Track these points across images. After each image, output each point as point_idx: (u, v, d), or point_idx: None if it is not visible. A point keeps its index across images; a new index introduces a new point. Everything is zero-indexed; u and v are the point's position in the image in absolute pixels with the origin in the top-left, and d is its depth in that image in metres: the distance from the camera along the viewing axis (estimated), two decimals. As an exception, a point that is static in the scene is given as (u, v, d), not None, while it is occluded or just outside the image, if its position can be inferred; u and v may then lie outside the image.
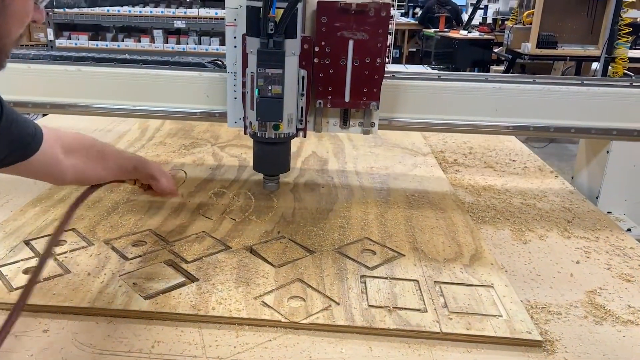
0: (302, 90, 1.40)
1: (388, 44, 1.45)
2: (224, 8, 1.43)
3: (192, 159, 2.02)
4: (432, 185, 1.85)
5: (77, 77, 1.63)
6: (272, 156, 1.47)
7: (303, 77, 1.39)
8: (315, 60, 1.40)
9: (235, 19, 1.41)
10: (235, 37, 1.42)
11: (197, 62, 2.01)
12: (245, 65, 1.37)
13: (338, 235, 1.45)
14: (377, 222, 1.54)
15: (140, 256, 1.31)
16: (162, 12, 6.05)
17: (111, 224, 1.47)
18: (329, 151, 2.16)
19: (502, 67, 7.23)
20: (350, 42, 1.39)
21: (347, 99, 1.44)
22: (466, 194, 1.81)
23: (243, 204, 1.63)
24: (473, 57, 6.74)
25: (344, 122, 1.51)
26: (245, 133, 1.46)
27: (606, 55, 5.75)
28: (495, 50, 6.88)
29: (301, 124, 1.45)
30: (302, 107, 1.42)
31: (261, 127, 1.39)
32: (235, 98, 1.49)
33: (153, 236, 1.42)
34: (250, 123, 1.41)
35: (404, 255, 1.36)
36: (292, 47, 1.33)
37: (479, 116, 1.55)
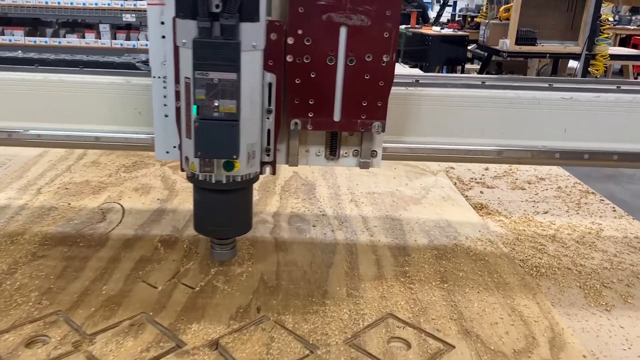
0: (269, 104, 0.91)
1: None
2: None
3: (133, 185, 1.50)
4: (456, 216, 1.39)
5: None
6: (222, 211, 0.96)
7: (270, 85, 0.89)
8: (289, 59, 0.90)
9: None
10: (163, 23, 0.90)
11: (124, 62, 1.44)
12: (177, 66, 0.86)
13: (348, 313, 0.97)
14: (399, 283, 1.07)
15: (34, 370, 0.80)
16: (109, 4, 5.42)
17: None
18: (314, 171, 1.67)
19: (476, 66, 6.93)
20: (343, 31, 0.89)
21: (337, 117, 0.94)
22: (501, 229, 1.37)
23: (204, 259, 1.13)
24: (447, 55, 6.39)
25: (332, 152, 1.01)
26: (182, 169, 0.95)
27: (586, 52, 5.51)
28: (470, 47, 6.56)
29: (268, 155, 0.96)
30: (268, 131, 0.93)
31: (204, 165, 0.89)
32: (166, 116, 0.95)
33: (63, 324, 0.91)
34: (187, 158, 0.91)
35: (454, 347, 0.90)
36: (252, 37, 0.82)
37: (538, 140, 1.07)
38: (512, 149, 1.09)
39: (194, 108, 0.82)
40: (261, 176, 0.97)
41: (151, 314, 0.94)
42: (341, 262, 1.14)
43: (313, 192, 1.51)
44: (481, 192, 1.62)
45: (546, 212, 1.50)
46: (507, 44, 5.38)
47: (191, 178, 0.92)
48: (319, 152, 1.01)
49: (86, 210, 1.33)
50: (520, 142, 1.09)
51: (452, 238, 1.28)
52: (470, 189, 1.64)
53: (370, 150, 1.01)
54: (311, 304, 0.99)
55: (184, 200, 1.42)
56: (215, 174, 0.89)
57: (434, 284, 1.08)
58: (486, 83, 1.11)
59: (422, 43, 6.51)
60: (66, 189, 1.45)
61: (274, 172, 0.98)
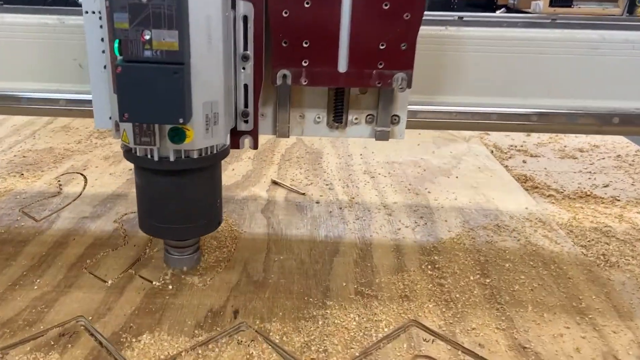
0: (245, 48, 0.65)
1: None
2: None
3: (103, 153, 1.26)
4: (496, 191, 1.12)
5: None
6: (173, 202, 0.69)
7: (245, 19, 0.63)
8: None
9: None
10: None
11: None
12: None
13: (357, 320, 0.72)
14: (426, 278, 0.81)
15: None
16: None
17: None
18: (322, 137, 1.40)
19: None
20: None
21: (342, 66, 0.67)
22: (553, 206, 1.09)
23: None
24: (474, 20, 5.98)
25: (337, 117, 0.73)
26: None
27: (627, 14, 5.09)
28: (498, 12, 6.15)
29: (246, 122, 0.69)
30: (245, 87, 0.67)
31: (141, 135, 0.62)
32: (104, 67, 0.65)
33: (-30, 333, 0.67)
34: (117, 125, 0.65)
35: (505, 373, 0.64)
36: None
37: (632, 100, 0.78)
38: (593, 113, 0.79)
39: (115, 44, 0.56)
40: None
41: (91, 318, 0.70)
42: (350, 249, 0.89)
43: (319, 162, 1.25)
44: (524, 162, 1.34)
45: (606, 186, 1.21)
46: (540, 5, 4.96)
47: (127, 154, 0.66)
48: (319, 117, 0.74)
49: (40, 182, 1.10)
50: (605, 104, 0.79)
51: (492, 218, 1.01)
52: (510, 157, 1.36)
53: (391, 116, 0.73)
54: (307, 307, 0.74)
55: (162, 170, 1.17)
56: (158, 147, 0.62)
57: (472, 278, 0.81)
58: (558, 21, 0.81)
59: (445, 6, 6.11)
60: (23, 157, 1.22)
61: (255, 146, 0.71)
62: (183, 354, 0.64)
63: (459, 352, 0.67)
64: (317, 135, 0.74)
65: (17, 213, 0.96)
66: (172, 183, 0.66)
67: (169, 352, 0.65)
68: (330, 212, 1.01)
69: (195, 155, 0.64)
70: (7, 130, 1.38)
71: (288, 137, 0.73)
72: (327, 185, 1.12)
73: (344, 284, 0.79)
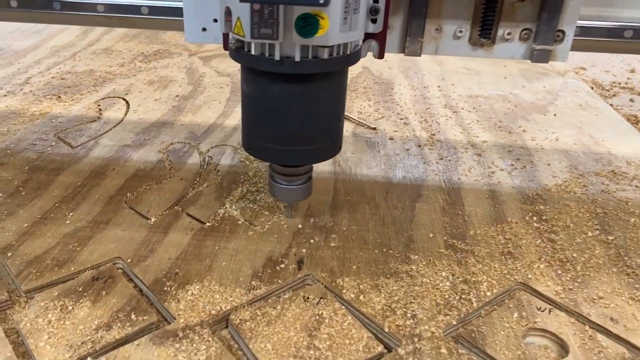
0: None
1: None
2: None
3: (148, 77, 1.13)
4: (605, 132, 0.93)
5: None
6: (295, 115, 0.52)
7: None
8: None
9: None
10: None
11: None
12: None
13: (451, 279, 0.57)
14: (532, 231, 0.66)
15: None
16: None
17: None
18: (392, 66, 1.23)
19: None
20: None
21: None
22: (678, 154, 0.90)
23: (226, 179, 0.76)
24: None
25: (485, 31, 0.55)
26: (224, 47, 0.54)
27: None
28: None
29: (374, 22, 0.51)
30: None
31: (261, 26, 0.45)
32: None
33: (-8, 271, 0.57)
34: (229, 12, 0.47)
35: (655, 360, 0.49)
36: None
37: None
38: None
39: None
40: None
41: (130, 261, 0.59)
42: (434, 193, 0.74)
43: (390, 93, 1.09)
44: (631, 101, 1.13)
45: None
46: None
47: (237, 52, 0.51)
48: (461, 31, 0.56)
49: (79, 106, 0.98)
50: None
51: (605, 163, 0.83)
52: (613, 95, 1.16)
53: (555, 31, 0.55)
54: (387, 260, 0.60)
55: (211, 98, 1.03)
56: (281, 42, 0.47)
57: (589, 234, 0.65)
58: None
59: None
60: (62, 79, 1.10)
61: (381, 54, 0.55)
62: (238, 309, 0.52)
63: (586, 327, 0.52)
64: (455, 54, 0.57)
65: (52, 138, 0.86)
66: (293, 91, 0.51)
67: (221, 307, 0.53)
68: (408, 149, 0.85)
69: (325, 55, 0.48)
70: (46, 51, 1.27)
71: (419, 55, 0.56)
72: (401, 119, 0.96)
73: (431, 235, 0.64)
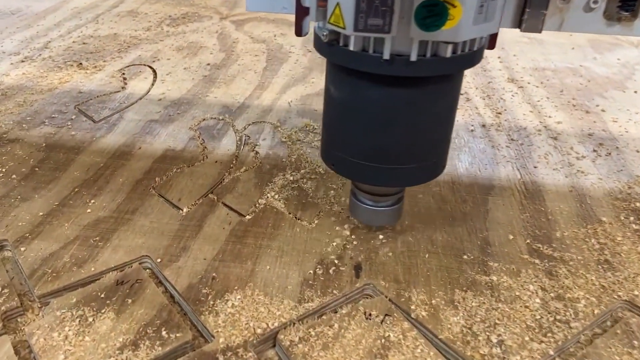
0: None
1: None
2: None
3: (176, 43, 1.04)
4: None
5: None
6: (395, 128, 0.42)
7: None
8: None
9: None
10: None
11: None
12: None
13: (539, 294, 0.48)
14: (631, 234, 0.55)
15: None
16: None
17: None
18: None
19: None
20: None
21: None
22: None
23: (266, 162, 0.66)
24: None
25: (626, 2, 0.42)
26: (297, 33, 0.42)
27: None
28: None
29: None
30: None
31: (367, 13, 0.34)
32: None
33: None
34: (322, 11, 0.37)
35: None
36: None
37: None
38: None
39: None
40: None
41: (159, 261, 0.51)
42: (509, 184, 0.63)
43: (443, 64, 0.97)
44: None
45: None
46: None
47: (329, 48, 0.40)
48: (595, 2, 0.44)
49: (102, 74, 0.89)
50: None
51: None
52: (697, 70, 1.02)
53: None
54: (462, 267, 0.51)
55: (246, 67, 0.93)
56: (393, 36, 0.36)
57: (701, 241, 0.55)
58: None
59: None
60: (84, 43, 1.01)
61: (492, 45, 0.44)
62: (288, 328, 0.44)
63: None
64: (584, 31, 0.45)
65: (72, 111, 0.77)
66: (400, 97, 0.40)
67: (267, 324, 0.44)
68: (472, 130, 0.75)
69: (448, 53, 0.38)
70: (66, 12, 1.18)
71: (539, 31, 0.45)
72: (462, 94, 0.85)
73: (511, 237, 0.54)
